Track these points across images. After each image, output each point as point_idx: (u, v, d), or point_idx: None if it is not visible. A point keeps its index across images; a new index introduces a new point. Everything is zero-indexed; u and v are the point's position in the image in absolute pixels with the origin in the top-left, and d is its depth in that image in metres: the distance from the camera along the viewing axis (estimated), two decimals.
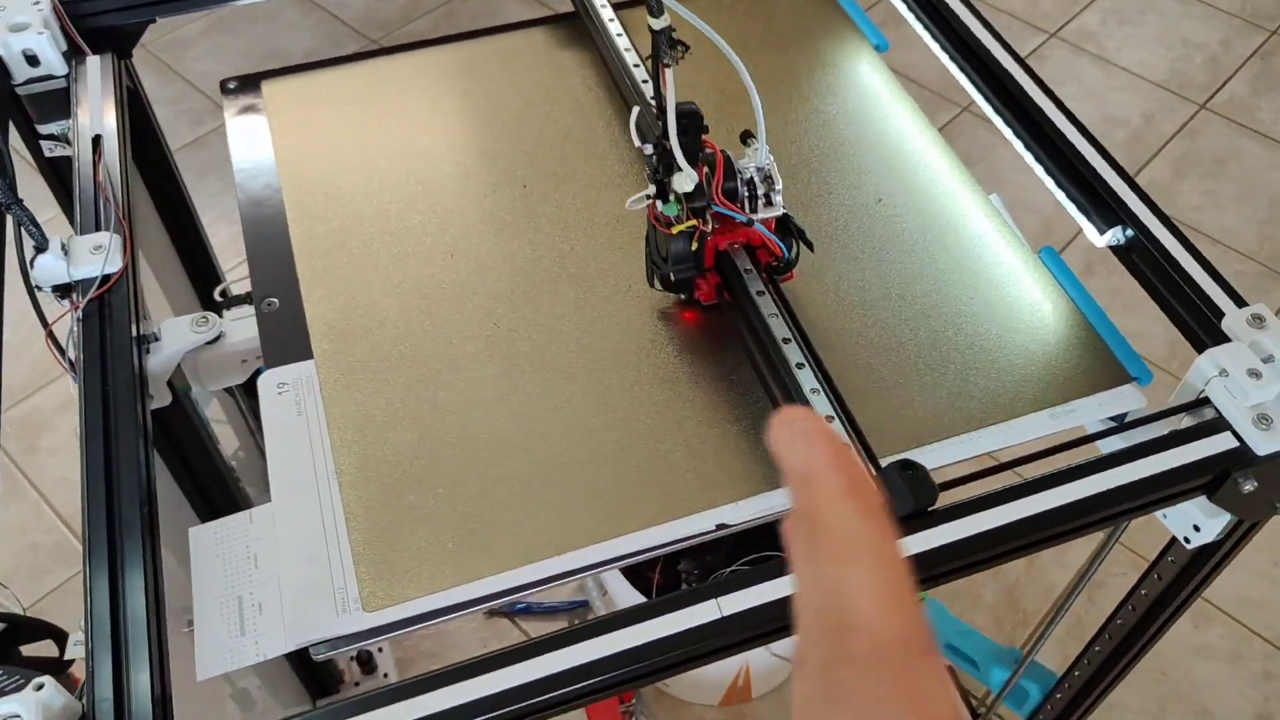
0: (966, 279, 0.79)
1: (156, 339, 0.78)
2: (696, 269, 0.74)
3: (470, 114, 0.93)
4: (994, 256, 0.81)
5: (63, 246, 0.76)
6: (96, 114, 0.88)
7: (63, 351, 0.76)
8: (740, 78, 0.68)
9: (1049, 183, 0.79)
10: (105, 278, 0.76)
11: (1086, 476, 0.62)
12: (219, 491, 0.95)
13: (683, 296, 0.77)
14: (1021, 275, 0.79)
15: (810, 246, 0.76)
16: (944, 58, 0.88)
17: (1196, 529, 0.69)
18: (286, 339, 0.77)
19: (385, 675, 1.32)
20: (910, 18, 0.92)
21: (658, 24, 0.66)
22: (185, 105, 2.14)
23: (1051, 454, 0.67)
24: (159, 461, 0.88)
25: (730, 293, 0.75)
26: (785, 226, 0.74)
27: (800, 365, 0.69)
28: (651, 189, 0.72)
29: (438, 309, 0.78)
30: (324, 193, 0.86)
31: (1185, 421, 0.68)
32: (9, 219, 0.75)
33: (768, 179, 0.72)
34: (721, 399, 0.72)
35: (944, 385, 0.73)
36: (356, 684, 1.30)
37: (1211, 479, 0.65)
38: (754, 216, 0.72)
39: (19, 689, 0.94)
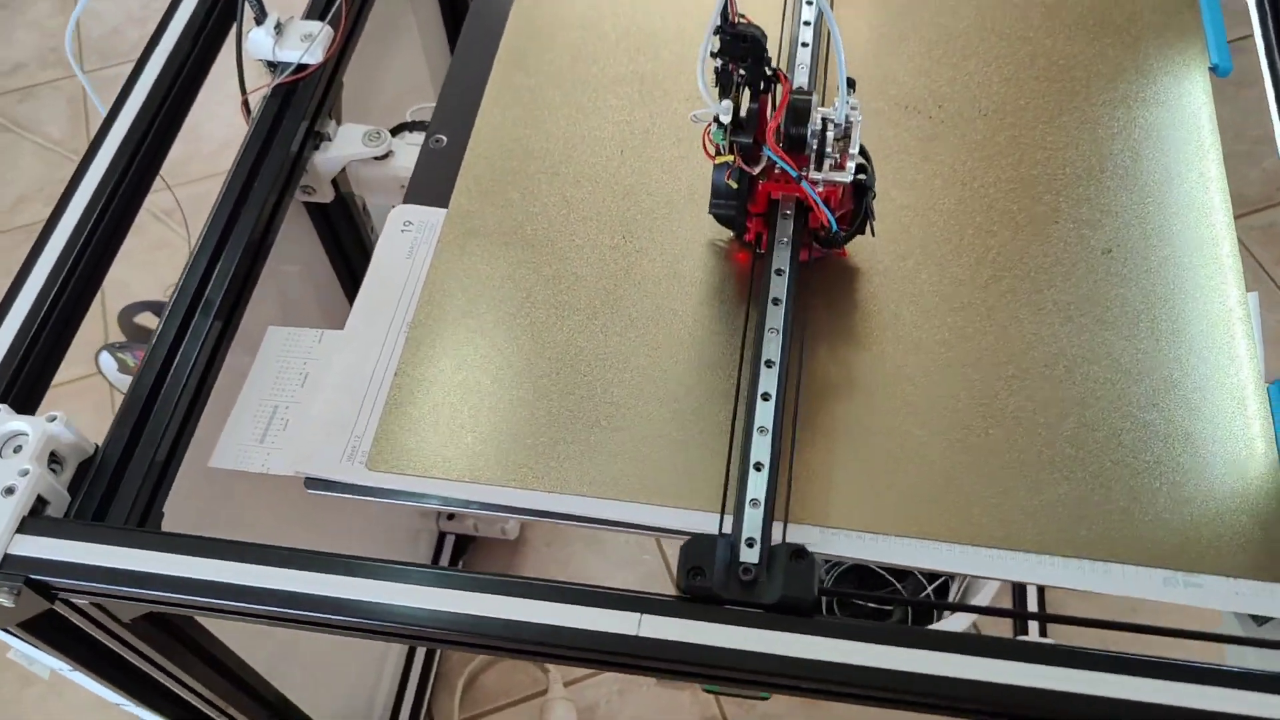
0: (1159, 381, 0.65)
1: (329, 139, 0.80)
2: (737, 208, 0.67)
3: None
4: (1209, 366, 0.65)
5: (277, 25, 0.79)
6: None
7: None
8: None
9: None
10: (302, 66, 0.78)
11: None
12: None
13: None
14: (1229, 402, 0.64)
15: (870, 231, 0.67)
16: (1273, 107, 0.70)
17: None
18: (434, 181, 0.77)
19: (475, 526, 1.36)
20: (1261, 46, 0.74)
21: None
22: None
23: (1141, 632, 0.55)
24: (325, 256, 0.93)
25: (765, 248, 0.68)
26: (860, 199, 0.65)
27: (766, 396, 0.60)
28: (714, 106, 0.63)
29: (580, 203, 0.75)
30: (540, 43, 0.84)
31: None
32: None
33: (844, 137, 0.61)
34: None
35: (1056, 491, 0.61)
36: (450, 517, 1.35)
37: None
38: (807, 174, 0.63)
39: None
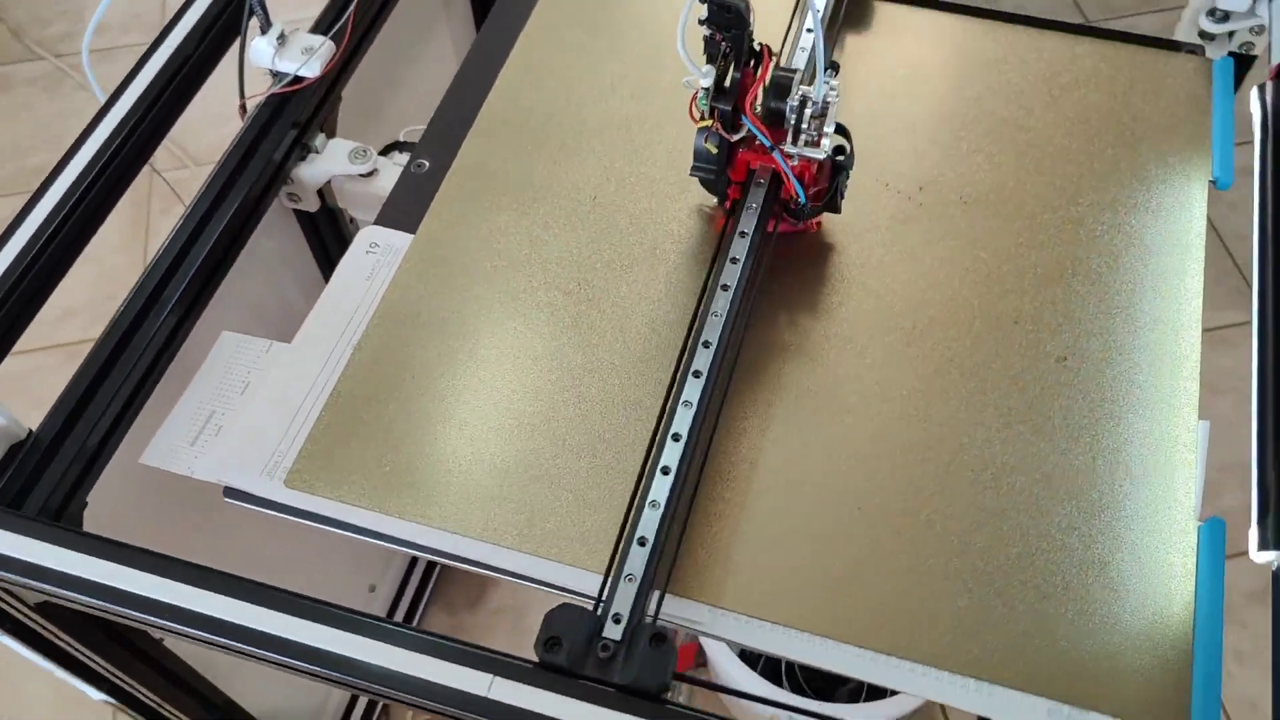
0: (1086, 504, 0.63)
1: (316, 152, 0.82)
2: (716, 173, 0.70)
3: None
4: (1143, 495, 0.63)
5: (280, 35, 0.80)
6: None
7: None
8: None
9: (1252, 450, 0.60)
10: (297, 79, 0.80)
11: None
12: None
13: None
14: (1154, 536, 0.61)
15: (835, 209, 0.71)
16: (1256, 232, 0.67)
17: None
18: (409, 205, 0.78)
19: None
20: (1257, 167, 0.71)
21: None
22: None
23: None
24: (314, 262, 0.94)
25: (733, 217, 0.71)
26: (834, 179, 0.69)
27: (666, 469, 0.60)
28: (696, 71, 0.65)
29: (544, 245, 0.75)
30: (539, 78, 0.84)
31: None
32: None
33: (820, 115, 0.64)
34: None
35: (956, 603, 0.59)
36: None
37: None
38: (781, 146, 0.66)
39: None
